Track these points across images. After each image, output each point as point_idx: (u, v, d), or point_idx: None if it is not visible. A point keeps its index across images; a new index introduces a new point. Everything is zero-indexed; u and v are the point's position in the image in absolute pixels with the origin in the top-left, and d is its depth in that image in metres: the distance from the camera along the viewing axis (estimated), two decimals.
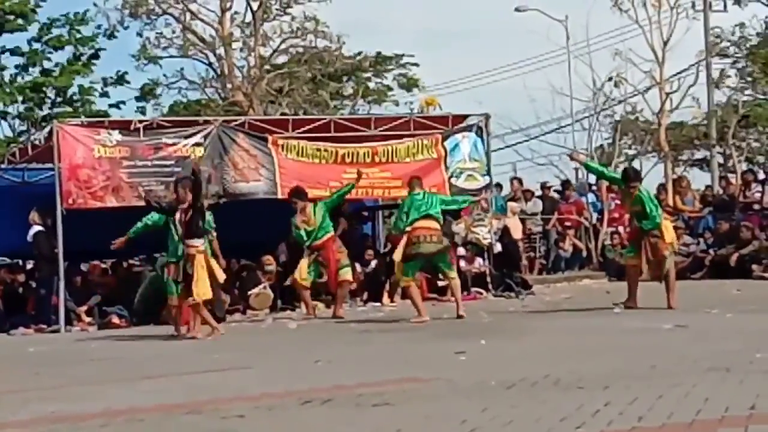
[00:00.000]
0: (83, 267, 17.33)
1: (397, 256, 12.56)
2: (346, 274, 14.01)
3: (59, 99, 28.89)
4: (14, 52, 28.51)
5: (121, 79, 29.43)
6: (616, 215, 19.98)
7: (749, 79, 30.31)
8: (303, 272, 13.81)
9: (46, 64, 28.95)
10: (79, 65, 28.73)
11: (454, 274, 13.14)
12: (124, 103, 29.86)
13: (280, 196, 14.42)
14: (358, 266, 16.05)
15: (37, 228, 14.57)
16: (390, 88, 35.33)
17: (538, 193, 21.74)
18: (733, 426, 5.15)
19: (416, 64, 35.21)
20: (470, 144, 16.79)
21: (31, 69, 28.59)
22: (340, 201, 14.50)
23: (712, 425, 5.20)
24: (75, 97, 29.10)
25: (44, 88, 28.12)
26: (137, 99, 29.61)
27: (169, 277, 12.17)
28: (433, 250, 12.51)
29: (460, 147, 16.68)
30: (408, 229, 12.40)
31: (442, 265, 12.95)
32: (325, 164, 15.45)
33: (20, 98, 28.14)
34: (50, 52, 28.81)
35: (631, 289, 12.57)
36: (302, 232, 13.74)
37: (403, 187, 16.18)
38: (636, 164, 30.54)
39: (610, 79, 25.24)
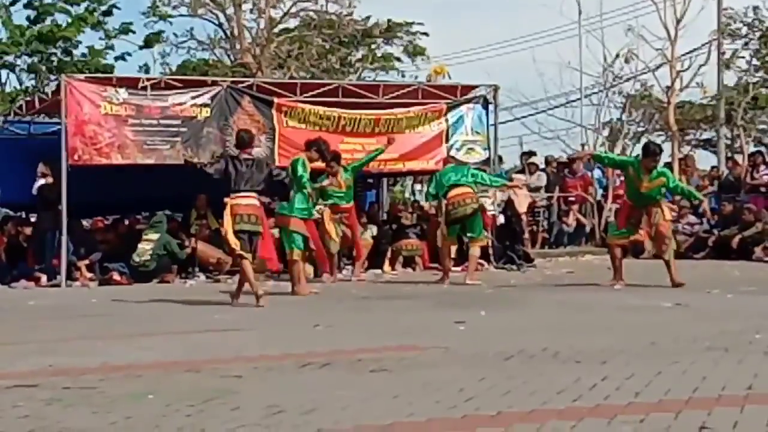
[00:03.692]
0: (85, 223, 17.33)
1: (443, 228, 13.84)
2: (366, 238, 15.15)
3: (66, 53, 28.75)
4: (28, 5, 28.38)
5: (125, 30, 29.26)
6: (621, 191, 19.91)
7: (761, 61, 30.16)
8: (333, 235, 13.98)
9: (59, 19, 28.82)
10: (88, 16, 28.58)
11: (478, 243, 13.96)
12: (129, 54, 29.74)
13: (277, 164, 14.34)
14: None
15: (42, 181, 14.57)
16: (398, 59, 35.16)
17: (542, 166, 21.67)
18: (730, 405, 5.16)
19: (426, 33, 35.05)
20: (474, 116, 16.73)
21: (40, 23, 28.43)
22: (365, 166, 14.75)
23: (708, 403, 5.21)
24: (83, 52, 28.98)
25: (51, 39, 27.97)
26: (141, 47, 29.45)
27: (297, 231, 12.05)
28: (470, 211, 13.58)
29: (463, 120, 16.61)
30: (444, 201, 13.66)
31: (474, 229, 13.74)
32: (325, 132, 15.35)
33: (28, 50, 28.02)
34: (63, 8, 28.68)
35: (616, 265, 12.71)
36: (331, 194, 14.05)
37: (400, 160, 16.23)
38: (643, 142, 30.46)
39: (617, 56, 25.10)
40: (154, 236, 14.92)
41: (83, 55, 28.81)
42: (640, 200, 12.52)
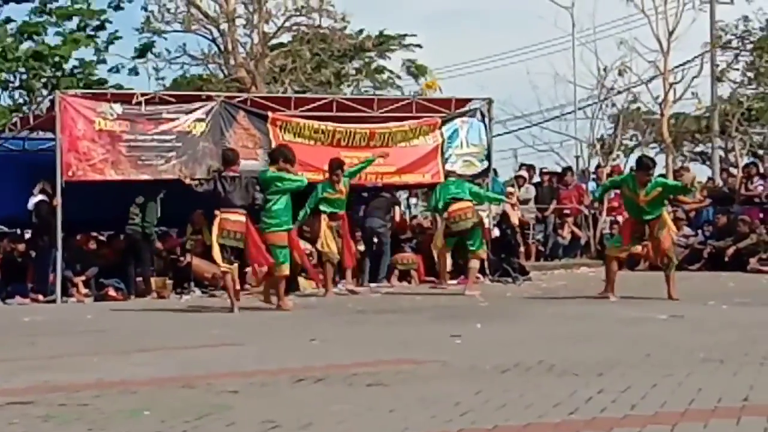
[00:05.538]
0: (80, 238, 17.28)
1: (438, 237, 14.54)
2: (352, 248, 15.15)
3: (58, 69, 28.71)
4: (21, 29, 28.37)
5: (112, 40, 29.25)
6: (616, 204, 19.94)
7: (754, 73, 30.22)
8: (332, 246, 14.05)
9: (51, 34, 28.81)
10: (82, 36, 28.58)
11: (477, 255, 14.45)
12: (123, 66, 29.73)
13: None
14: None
15: (40, 197, 14.55)
16: (398, 76, 35.17)
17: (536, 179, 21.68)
18: (726, 417, 5.16)
19: (419, 45, 35.07)
20: (469, 129, 16.75)
21: (34, 39, 28.41)
22: (360, 173, 14.93)
23: (704, 415, 5.20)
24: (76, 70, 28.97)
25: (46, 57, 27.97)
26: (134, 57, 29.44)
27: (281, 245, 12.11)
28: (469, 225, 14.12)
29: (458, 133, 16.65)
30: (444, 215, 14.19)
31: (474, 242, 14.26)
32: (320, 146, 15.41)
33: (22, 69, 28.00)
34: (55, 23, 28.69)
35: (611, 278, 12.66)
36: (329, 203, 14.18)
37: (396, 173, 16.25)
38: (637, 154, 30.46)
39: (605, 69, 25.14)
40: (140, 200, 14.93)
41: (74, 67, 28.75)
42: (640, 215, 12.42)
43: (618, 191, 16.05)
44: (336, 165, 14.32)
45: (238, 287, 12.28)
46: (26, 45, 28.24)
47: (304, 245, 14.20)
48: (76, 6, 28.72)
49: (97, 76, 29.20)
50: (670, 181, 13.24)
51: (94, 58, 29.15)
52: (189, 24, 29.03)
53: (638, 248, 12.87)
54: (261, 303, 12.42)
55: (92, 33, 29.05)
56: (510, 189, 20.13)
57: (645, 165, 12.64)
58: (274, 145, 15.16)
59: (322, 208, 14.17)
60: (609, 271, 12.76)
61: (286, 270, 12.18)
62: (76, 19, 28.98)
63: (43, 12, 28.64)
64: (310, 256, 14.52)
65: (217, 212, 12.05)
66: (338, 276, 15.57)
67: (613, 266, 12.74)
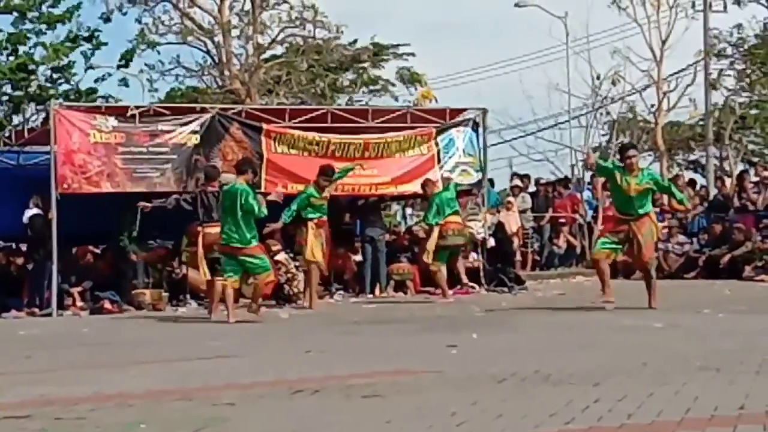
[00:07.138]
0: (77, 251, 17.27)
1: (431, 245, 14.58)
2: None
3: (46, 79, 28.64)
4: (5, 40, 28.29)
5: (91, 38, 29.13)
6: (611, 213, 19.94)
7: (747, 80, 30.32)
8: (317, 254, 13.98)
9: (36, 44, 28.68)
10: (62, 46, 28.44)
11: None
12: (110, 74, 29.66)
13: (261, 190, 14.28)
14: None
15: (34, 210, 14.54)
16: (393, 84, 35.20)
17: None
18: (722, 425, 5.16)
19: (413, 54, 35.12)
20: (464, 139, 16.78)
21: (18, 53, 28.30)
22: (340, 179, 14.89)
23: (701, 424, 5.20)
24: (56, 75, 28.81)
25: (32, 67, 27.87)
26: (119, 67, 29.37)
27: (265, 256, 12.34)
28: (462, 241, 14.99)
29: (454, 142, 16.67)
30: (441, 222, 14.53)
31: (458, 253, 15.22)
32: (314, 157, 15.38)
33: (8, 80, 27.92)
34: (41, 32, 28.60)
35: (604, 280, 12.24)
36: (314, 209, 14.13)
37: (390, 184, 16.24)
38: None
39: (598, 76, 25.22)
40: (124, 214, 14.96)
41: (53, 76, 28.62)
42: (627, 208, 12.14)
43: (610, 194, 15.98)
44: (330, 171, 14.34)
45: (218, 299, 12.68)
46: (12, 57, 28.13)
47: (286, 258, 14.35)
48: (56, 12, 28.62)
49: (85, 85, 29.10)
50: (662, 179, 13.20)
51: (71, 60, 28.98)
52: (184, 36, 29.10)
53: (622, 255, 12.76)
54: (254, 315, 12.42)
55: (82, 43, 28.95)
56: (510, 198, 20.21)
57: (624, 147, 12.83)
58: (265, 157, 15.17)
59: (309, 215, 14.03)
60: (600, 273, 12.47)
61: (270, 276, 12.30)
62: (64, 30, 28.91)
63: (25, 20, 28.51)
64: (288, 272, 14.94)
65: (199, 228, 12.81)
66: (332, 286, 15.66)
67: (602, 267, 12.25)
